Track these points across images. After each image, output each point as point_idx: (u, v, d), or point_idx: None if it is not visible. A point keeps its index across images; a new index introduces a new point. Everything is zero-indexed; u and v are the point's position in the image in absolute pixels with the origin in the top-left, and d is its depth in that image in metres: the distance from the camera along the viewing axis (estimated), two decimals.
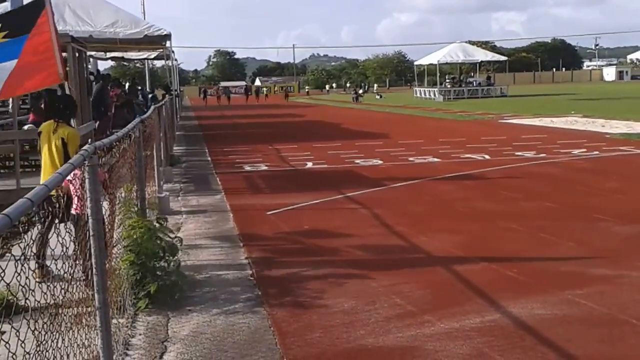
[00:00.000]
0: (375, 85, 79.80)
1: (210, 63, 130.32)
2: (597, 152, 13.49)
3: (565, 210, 7.98)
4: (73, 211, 4.53)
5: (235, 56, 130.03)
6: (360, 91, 54.84)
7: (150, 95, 20.32)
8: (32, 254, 3.44)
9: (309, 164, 13.24)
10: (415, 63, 55.41)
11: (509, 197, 8.96)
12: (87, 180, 3.14)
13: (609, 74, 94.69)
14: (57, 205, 4.28)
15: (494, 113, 27.83)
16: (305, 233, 7.09)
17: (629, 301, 4.68)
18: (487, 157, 13.45)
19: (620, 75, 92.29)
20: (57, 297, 2.75)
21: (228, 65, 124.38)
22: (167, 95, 18.73)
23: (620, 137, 16.10)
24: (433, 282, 5.28)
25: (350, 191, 9.67)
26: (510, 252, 6.10)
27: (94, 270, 3.19)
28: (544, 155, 13.38)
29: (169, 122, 15.53)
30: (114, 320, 3.81)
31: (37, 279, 3.15)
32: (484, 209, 8.25)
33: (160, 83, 31.28)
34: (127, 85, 20.75)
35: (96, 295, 3.22)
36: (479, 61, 49.80)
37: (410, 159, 13.62)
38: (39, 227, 4.36)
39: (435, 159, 13.42)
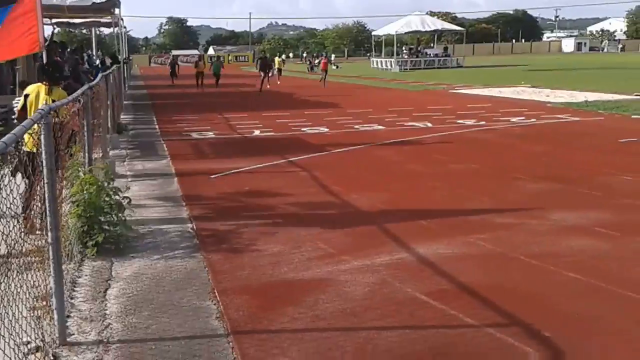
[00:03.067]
0: (333, 55, 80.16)
1: (162, 31, 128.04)
2: (534, 120, 14.55)
3: (488, 171, 8.90)
4: None
5: (188, 24, 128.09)
6: (316, 61, 55.22)
7: (98, 64, 20.43)
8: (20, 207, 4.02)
9: (256, 132, 13.88)
10: (373, 33, 56.15)
11: (440, 160, 9.85)
12: (42, 136, 3.76)
13: (568, 45, 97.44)
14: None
15: (446, 83, 28.86)
16: (245, 193, 7.80)
17: (522, 243, 5.57)
18: (429, 124, 14.35)
19: (578, 47, 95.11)
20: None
21: (180, 33, 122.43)
22: (114, 64, 18.95)
23: (560, 106, 17.26)
24: (355, 230, 6.07)
25: (293, 156, 10.38)
26: (429, 206, 6.96)
27: (47, 212, 3.82)
28: (483, 123, 14.36)
29: (117, 91, 15.88)
30: (63, 266, 4.43)
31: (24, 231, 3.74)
32: (414, 170, 9.11)
33: (108, 51, 30.98)
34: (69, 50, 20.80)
35: (49, 234, 3.86)
36: (437, 32, 50.77)
37: (356, 126, 14.40)
38: (26, 181, 4.93)
39: (380, 127, 14.25)
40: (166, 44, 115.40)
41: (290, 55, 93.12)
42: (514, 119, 14.74)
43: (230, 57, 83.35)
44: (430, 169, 9.28)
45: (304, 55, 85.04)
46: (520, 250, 5.33)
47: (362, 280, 4.71)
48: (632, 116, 14.58)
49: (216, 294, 4.45)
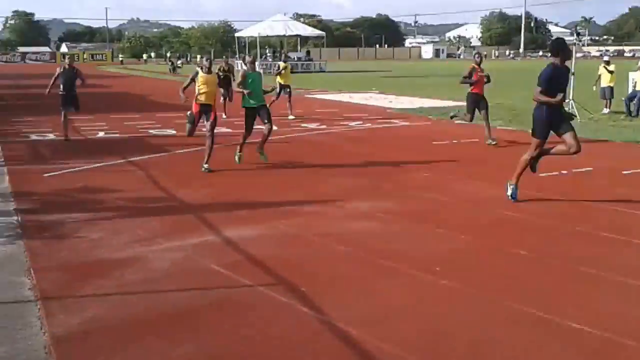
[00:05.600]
0: (199, 56, 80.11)
1: (7, 26, 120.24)
2: (370, 124, 16.28)
3: (311, 168, 10.20)
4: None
5: (37, 18, 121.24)
6: (179, 62, 55.29)
7: None
8: None
9: (101, 134, 14.35)
10: (237, 35, 57.09)
11: (270, 159, 11.03)
12: None
13: (427, 51, 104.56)
14: None
15: (304, 88, 30.47)
16: (77, 189, 8.45)
17: (315, 226, 6.79)
18: (275, 127, 15.54)
19: (437, 53, 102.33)
20: None
21: (28, 28, 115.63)
22: None
23: (397, 112, 19.23)
24: (174, 219, 7.02)
25: (133, 156, 11.11)
26: (246, 199, 8.05)
27: None
28: (324, 126, 15.83)
29: None
30: None
31: None
32: (243, 168, 10.21)
33: None
34: None
35: None
36: (300, 36, 52.74)
37: (204, 129, 15.24)
38: None
39: (229, 130, 15.23)
40: (12, 41, 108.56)
41: (152, 55, 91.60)
42: (352, 123, 16.36)
43: (85, 56, 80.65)
44: (257, 167, 10.40)
45: (168, 55, 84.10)
46: (310, 231, 6.56)
47: (168, 257, 5.68)
48: (456, 122, 16.74)
49: (32, 271, 5.21)
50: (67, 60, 13.30)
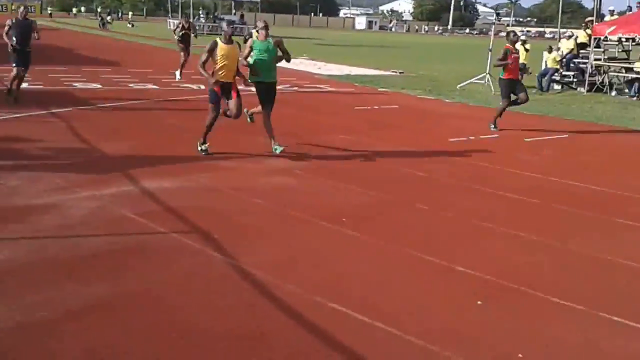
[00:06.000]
0: (130, 13, 77.29)
1: None
2: (296, 88, 16.36)
3: (235, 128, 10.24)
4: None
5: None
6: (108, 18, 53.23)
7: None
8: None
9: (24, 85, 13.77)
10: None
11: (198, 116, 10.97)
12: None
13: (361, 23, 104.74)
14: None
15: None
16: None
17: (232, 179, 6.93)
18: (202, 87, 15.42)
19: (370, 25, 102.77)
20: None
21: None
22: None
23: (325, 78, 19.39)
24: (94, 169, 6.97)
25: (56, 109, 10.81)
26: (170, 153, 8.06)
27: None
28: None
29: None
30: None
31: None
32: (170, 124, 10.16)
33: None
34: None
35: None
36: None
37: (131, 85, 15.00)
38: None
39: (155, 86, 15.01)
40: None
41: (83, 9, 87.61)
42: (279, 87, 16.36)
43: (14, 7, 75.93)
44: (186, 123, 10.36)
45: (99, 10, 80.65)
46: (228, 184, 6.69)
47: (85, 205, 5.69)
48: (379, 89, 17.09)
49: None
50: (22, 10, 11.58)
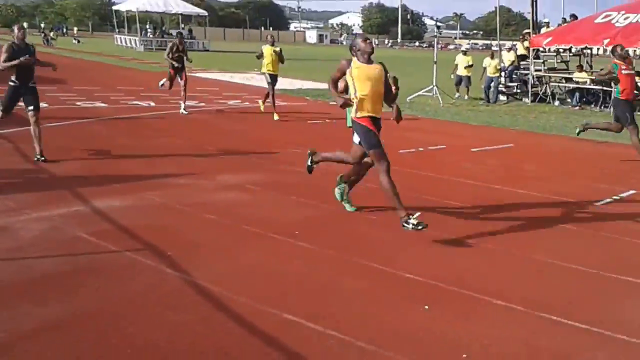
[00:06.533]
0: (75, 28, 76.07)
1: None
2: (247, 103, 16.52)
3: (187, 145, 10.31)
4: None
5: None
6: (52, 34, 52.25)
7: None
8: None
9: None
10: (114, 8, 54.73)
11: (148, 135, 11.04)
12: None
13: (311, 36, 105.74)
14: None
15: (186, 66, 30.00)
16: None
17: (184, 196, 6.99)
18: (152, 104, 15.43)
19: (320, 38, 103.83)
20: None
21: None
22: None
23: (277, 92, 19.50)
24: (42, 190, 6.94)
25: (1, 130, 10.63)
26: (121, 172, 8.08)
27: None
28: (203, 104, 15.89)
29: None
30: None
31: None
32: (121, 144, 10.12)
33: None
34: None
35: None
36: (180, 13, 51.46)
37: (78, 103, 14.86)
38: None
39: (103, 104, 14.91)
40: None
41: (25, 25, 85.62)
42: (230, 102, 16.53)
43: None
44: (137, 142, 10.37)
45: (42, 26, 79.06)
46: (180, 201, 6.75)
47: (35, 227, 5.67)
48: (330, 103, 17.35)
49: None
50: (18, 33, 8.31)
